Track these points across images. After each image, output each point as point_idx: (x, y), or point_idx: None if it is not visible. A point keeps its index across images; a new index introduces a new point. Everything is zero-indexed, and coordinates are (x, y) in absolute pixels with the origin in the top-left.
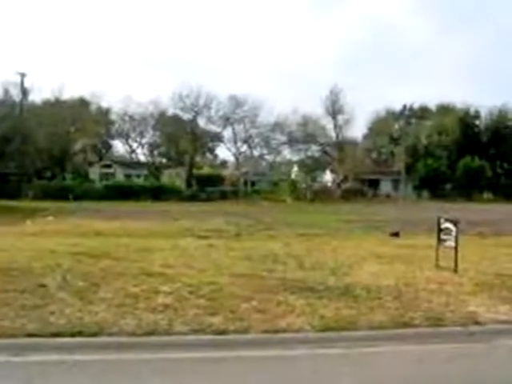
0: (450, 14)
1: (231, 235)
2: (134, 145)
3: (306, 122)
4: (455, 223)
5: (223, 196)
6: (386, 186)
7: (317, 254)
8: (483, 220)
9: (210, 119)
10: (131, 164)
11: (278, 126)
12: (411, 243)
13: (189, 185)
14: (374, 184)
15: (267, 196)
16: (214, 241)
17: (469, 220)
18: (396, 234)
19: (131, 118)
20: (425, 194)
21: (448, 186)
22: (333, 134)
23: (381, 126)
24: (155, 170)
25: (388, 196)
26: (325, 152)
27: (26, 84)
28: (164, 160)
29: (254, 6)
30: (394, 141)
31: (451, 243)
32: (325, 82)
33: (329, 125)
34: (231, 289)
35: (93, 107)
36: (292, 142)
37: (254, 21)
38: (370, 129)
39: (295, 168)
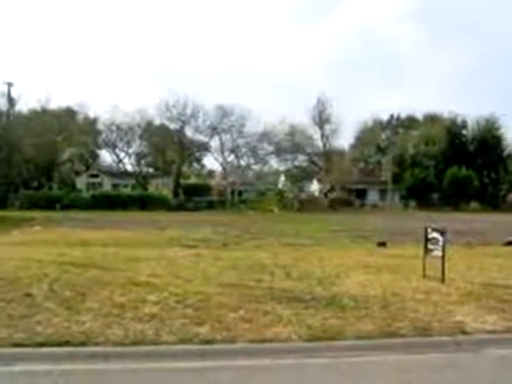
0: (438, 23)
1: (218, 245)
2: (121, 154)
3: (293, 131)
4: (442, 233)
5: (210, 206)
6: (373, 196)
7: (304, 263)
8: (470, 230)
9: (197, 129)
10: (118, 174)
11: (265, 136)
12: (398, 253)
13: (176, 194)
14: (361, 194)
15: (254, 206)
16: (201, 250)
17: (456, 230)
18: (383, 244)
19: (118, 127)
20: (412, 203)
21: (435, 196)
22: (320, 144)
23: (368, 135)
24: (142, 179)
25: (375, 206)
26: (312, 162)
27: (13, 94)
28: (151, 170)
29: (241, 15)
30: (381, 150)
31: (438, 253)
32: (312, 91)
33: (316, 134)
34: (218, 298)
35: (80, 117)
36: (279, 151)
37: (242, 30)
38: (357, 138)
39: (282, 178)
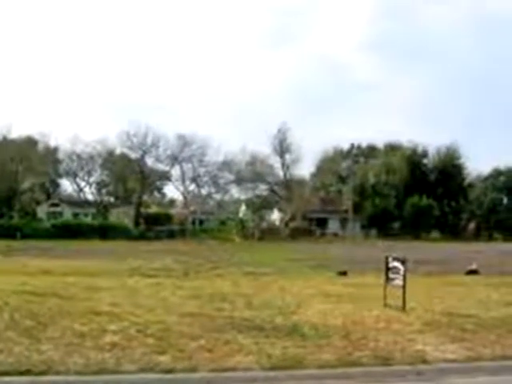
0: (397, 52)
1: (179, 274)
2: (82, 183)
3: (253, 160)
4: (403, 262)
5: (171, 235)
6: (333, 225)
7: (265, 292)
8: (431, 259)
9: (157, 158)
10: (79, 203)
11: (225, 165)
12: (359, 282)
13: (137, 224)
14: (322, 223)
15: (215, 235)
16: (162, 280)
17: (416, 259)
18: (344, 273)
19: (79, 156)
20: (373, 232)
21: (396, 225)
22: (280, 173)
23: (329, 164)
24: (103, 208)
25: (336, 235)
26: (272, 191)
27: None
28: (112, 199)
29: (202, 43)
30: (342, 179)
31: (399, 282)
32: (273, 119)
33: (276, 164)
34: (179, 328)
35: (40, 146)
36: (240, 180)
37: (202, 59)
38: (318, 167)
39: (243, 207)
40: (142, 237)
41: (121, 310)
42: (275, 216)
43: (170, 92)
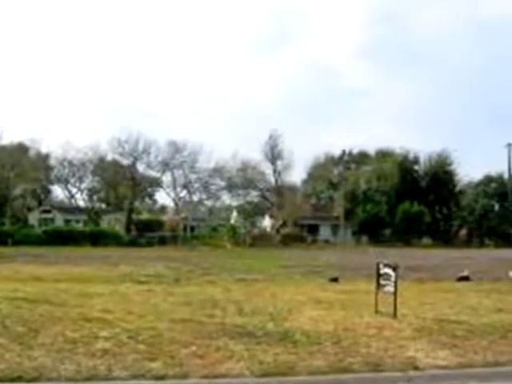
0: (390, 59)
1: (171, 280)
2: (74, 190)
3: (245, 167)
4: (394, 268)
5: (163, 241)
6: (325, 231)
7: (256, 299)
8: (422, 265)
9: (149, 164)
10: (70, 209)
11: (217, 172)
12: (350, 289)
13: (128, 230)
14: (313, 229)
15: (207, 241)
16: (154, 286)
17: (408, 265)
18: (335, 280)
19: (70, 163)
20: (364, 239)
21: (387, 231)
22: (272, 179)
23: (320, 171)
24: (95, 215)
25: (327, 241)
26: (264, 197)
27: None
28: (103, 205)
29: (194, 49)
30: (333, 186)
31: (390, 288)
32: (264, 125)
33: (268, 170)
34: (171, 334)
35: (32, 152)
36: (231, 187)
37: (194, 64)
38: (310, 174)
39: (234, 213)
40: (133, 243)
41: (112, 317)
42: (266, 222)
43: (161, 98)
